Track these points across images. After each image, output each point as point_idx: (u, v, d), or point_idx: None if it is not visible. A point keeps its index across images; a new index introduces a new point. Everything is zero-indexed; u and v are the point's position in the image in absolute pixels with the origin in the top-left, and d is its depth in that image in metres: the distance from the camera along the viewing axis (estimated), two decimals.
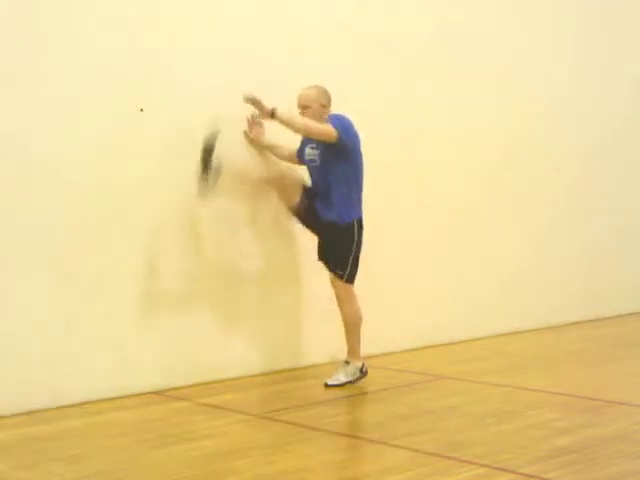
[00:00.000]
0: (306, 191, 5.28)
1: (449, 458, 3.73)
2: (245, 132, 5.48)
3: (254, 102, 4.97)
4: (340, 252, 5.17)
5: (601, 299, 7.96)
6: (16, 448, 4.02)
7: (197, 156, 5.10)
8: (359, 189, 5.24)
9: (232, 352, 5.46)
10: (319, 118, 5.10)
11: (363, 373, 5.27)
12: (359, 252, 5.20)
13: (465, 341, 6.71)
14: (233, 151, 5.32)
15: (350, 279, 5.19)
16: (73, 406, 4.74)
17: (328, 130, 5.03)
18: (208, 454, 3.86)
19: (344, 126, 5.09)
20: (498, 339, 6.87)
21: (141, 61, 5.06)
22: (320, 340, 5.80)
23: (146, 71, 5.08)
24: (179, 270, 5.22)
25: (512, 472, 3.54)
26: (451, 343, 6.61)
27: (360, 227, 5.21)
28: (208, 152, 5.04)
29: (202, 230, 5.33)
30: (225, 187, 5.38)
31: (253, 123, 5.46)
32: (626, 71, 8.28)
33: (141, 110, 5.04)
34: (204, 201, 5.15)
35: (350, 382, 5.21)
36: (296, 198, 5.26)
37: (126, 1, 5.03)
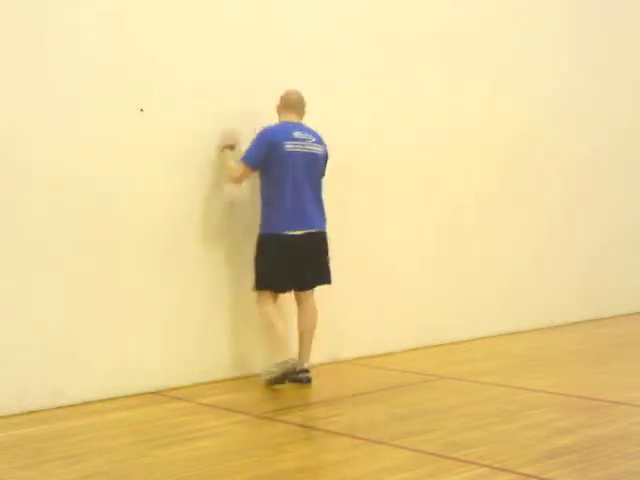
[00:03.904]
0: None
1: (449, 458, 3.73)
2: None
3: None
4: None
5: (600, 299, 7.96)
6: (16, 448, 4.02)
7: (197, 156, 5.09)
8: (281, 203, 5.13)
9: (232, 352, 5.46)
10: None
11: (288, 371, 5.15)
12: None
13: (465, 341, 6.72)
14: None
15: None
16: (73, 406, 4.74)
17: (236, 172, 5.18)
18: (208, 454, 3.86)
19: (249, 151, 5.15)
20: (498, 339, 6.87)
21: (141, 61, 5.06)
22: (319, 340, 5.79)
23: (146, 71, 5.08)
24: (179, 270, 5.22)
25: (512, 472, 3.53)
26: (451, 343, 6.61)
27: (274, 241, 5.15)
28: None
29: (202, 230, 5.34)
30: (225, 190, 5.40)
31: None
32: (627, 71, 8.29)
33: (141, 110, 5.05)
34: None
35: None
36: None
37: (126, 1, 5.04)
